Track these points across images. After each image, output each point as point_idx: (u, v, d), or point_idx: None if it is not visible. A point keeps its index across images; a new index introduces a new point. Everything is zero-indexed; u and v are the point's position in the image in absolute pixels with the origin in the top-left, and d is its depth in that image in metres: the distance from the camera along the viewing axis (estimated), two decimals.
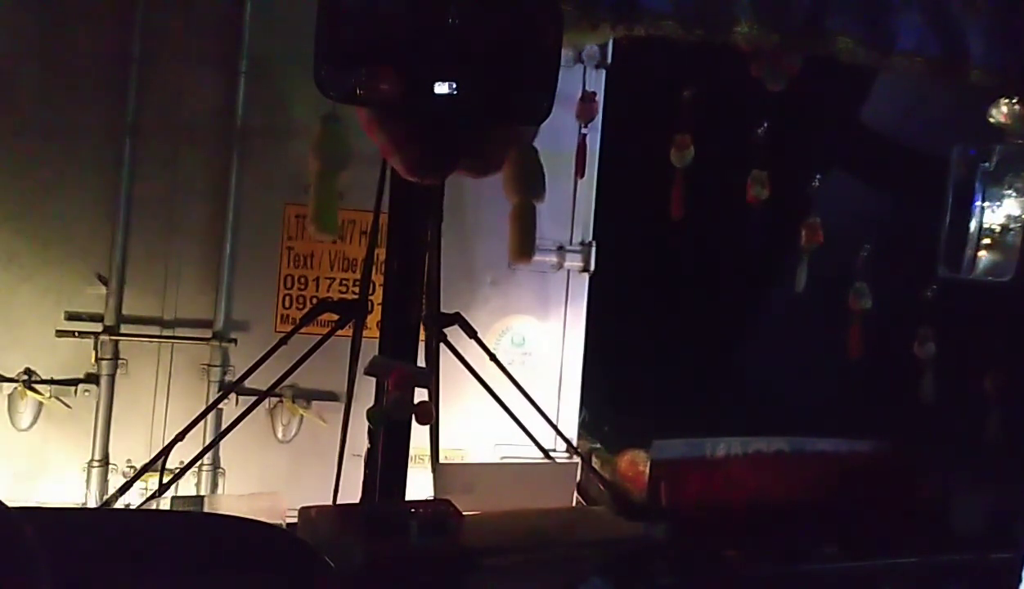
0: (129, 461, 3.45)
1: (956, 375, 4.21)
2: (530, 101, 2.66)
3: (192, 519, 2.58)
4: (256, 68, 3.49)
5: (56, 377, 3.38)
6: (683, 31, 3.23)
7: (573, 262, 3.91)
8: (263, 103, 3.52)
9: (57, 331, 3.37)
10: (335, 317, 3.11)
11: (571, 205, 3.90)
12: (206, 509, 3.17)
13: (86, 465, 3.45)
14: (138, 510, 3.22)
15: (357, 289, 3.55)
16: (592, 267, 3.93)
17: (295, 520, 2.78)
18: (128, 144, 3.43)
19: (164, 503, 3.18)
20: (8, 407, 3.34)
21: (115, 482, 3.37)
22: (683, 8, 3.20)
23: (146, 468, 3.34)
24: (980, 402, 4.15)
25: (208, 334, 3.55)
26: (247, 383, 3.19)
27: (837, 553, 3.30)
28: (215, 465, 3.56)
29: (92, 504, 3.40)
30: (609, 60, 4.07)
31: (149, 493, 3.28)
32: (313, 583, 1.90)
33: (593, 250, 3.92)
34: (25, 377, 3.33)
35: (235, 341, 3.56)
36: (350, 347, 3.23)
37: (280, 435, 3.57)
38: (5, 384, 3.33)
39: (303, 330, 3.18)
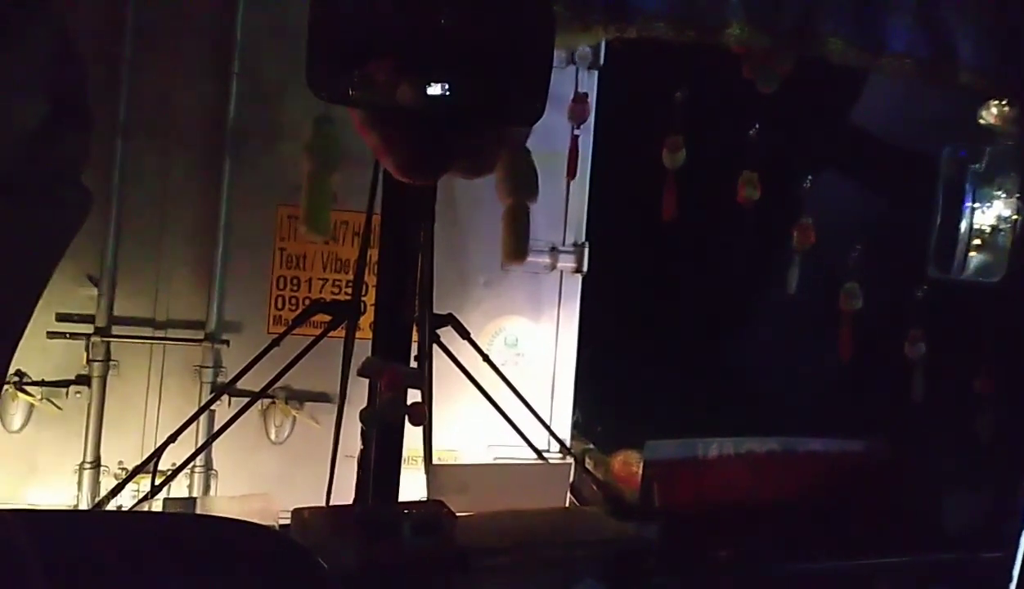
0: (121, 463, 3.42)
1: (947, 375, 4.23)
2: (523, 102, 2.66)
3: (184, 521, 2.57)
4: (248, 70, 3.47)
5: (47, 379, 3.35)
6: (675, 33, 3.24)
7: (566, 263, 3.89)
8: (255, 104, 3.50)
9: (48, 332, 3.34)
10: (328, 318, 3.10)
11: (564, 206, 3.87)
12: (198, 511, 3.16)
13: (78, 467, 3.43)
14: (129, 512, 3.20)
15: (350, 290, 3.56)
16: (585, 268, 3.91)
17: (288, 521, 2.77)
18: (119, 145, 3.41)
19: (156, 505, 3.17)
20: None
21: (107, 484, 3.35)
22: (675, 10, 3.21)
23: (138, 470, 3.32)
24: (971, 402, 4.17)
25: (200, 335, 3.53)
26: (243, 387, 3.19)
27: (829, 553, 3.31)
28: (207, 466, 3.54)
29: (84, 506, 3.39)
30: (602, 61, 4.07)
31: (141, 495, 3.27)
32: (306, 585, 1.89)
33: (586, 251, 3.89)
34: (16, 379, 3.28)
35: (227, 342, 3.53)
36: (343, 348, 3.23)
37: (273, 436, 3.55)
38: None
39: (296, 331, 3.18)
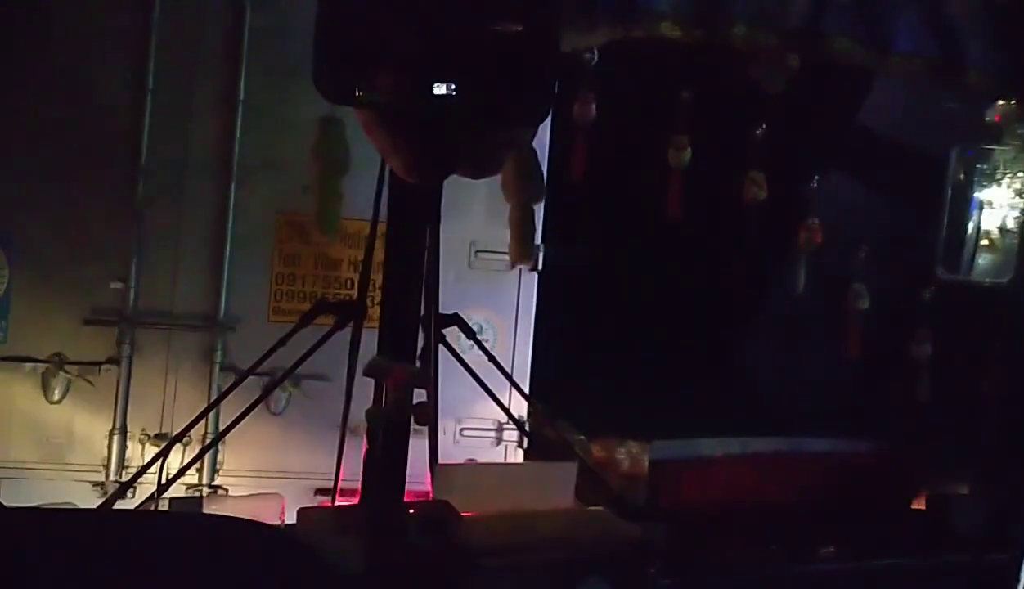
0: (144, 430, 3.93)
1: (954, 375, 4.21)
2: (528, 103, 2.66)
3: (190, 520, 2.59)
4: (252, 99, 4.03)
5: (83, 360, 3.88)
6: (681, 32, 3.24)
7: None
8: (257, 128, 4.03)
9: (84, 320, 3.90)
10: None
11: None
12: (205, 510, 3.18)
13: (107, 433, 3.94)
14: (137, 511, 3.22)
15: (338, 285, 4.05)
16: (540, 267, 4.24)
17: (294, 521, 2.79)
18: (144, 165, 3.95)
19: (164, 502, 3.19)
20: (42, 384, 3.84)
21: (132, 447, 3.90)
22: (681, 9, 3.21)
23: (146, 468, 3.37)
24: (978, 402, 4.16)
25: (211, 323, 4.04)
26: (244, 369, 3.59)
27: (835, 553, 3.30)
28: (217, 434, 3.84)
29: (113, 466, 3.88)
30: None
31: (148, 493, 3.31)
32: (312, 584, 1.90)
33: (541, 252, 4.19)
34: (56, 359, 3.84)
35: (234, 329, 4.04)
36: (349, 348, 3.25)
37: (272, 408, 3.87)
38: (39, 364, 3.84)
39: (293, 313, 3.60)
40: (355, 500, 3.07)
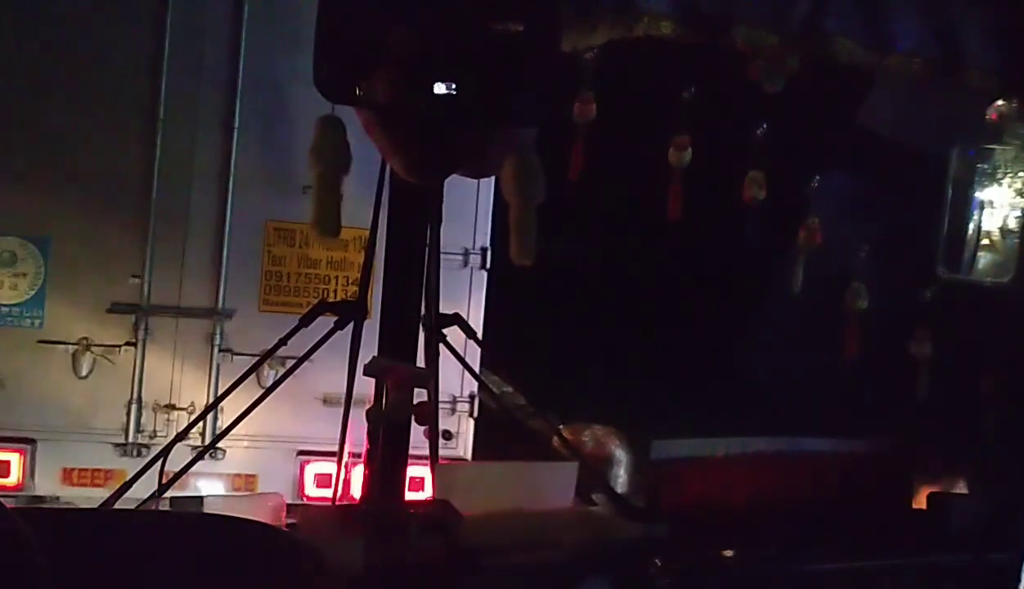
0: (155, 400, 4.70)
1: (954, 375, 4.21)
2: (529, 102, 2.67)
3: (191, 520, 2.59)
4: (245, 123, 4.75)
5: (106, 342, 4.65)
6: (682, 32, 3.24)
7: (475, 262, 4.89)
8: (251, 148, 4.74)
9: (106, 310, 4.67)
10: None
11: (473, 216, 4.80)
12: (205, 510, 3.19)
13: (126, 403, 4.71)
14: (138, 511, 3.23)
15: (317, 281, 4.69)
16: (488, 266, 4.85)
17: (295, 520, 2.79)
18: (156, 182, 4.67)
19: (165, 501, 3.20)
20: (72, 362, 4.62)
21: (146, 415, 4.66)
22: (681, 9, 3.22)
23: (147, 466, 3.39)
24: (978, 402, 4.16)
25: (211, 313, 4.79)
26: (241, 351, 4.54)
27: (835, 553, 3.30)
28: (216, 409, 4.57)
29: (131, 431, 4.63)
30: None
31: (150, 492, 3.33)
32: (312, 584, 1.90)
33: (489, 253, 4.84)
34: (84, 342, 4.60)
35: (230, 317, 4.79)
36: (349, 349, 3.25)
37: (262, 384, 4.31)
38: (70, 346, 4.62)
39: (290, 305, 4.37)
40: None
